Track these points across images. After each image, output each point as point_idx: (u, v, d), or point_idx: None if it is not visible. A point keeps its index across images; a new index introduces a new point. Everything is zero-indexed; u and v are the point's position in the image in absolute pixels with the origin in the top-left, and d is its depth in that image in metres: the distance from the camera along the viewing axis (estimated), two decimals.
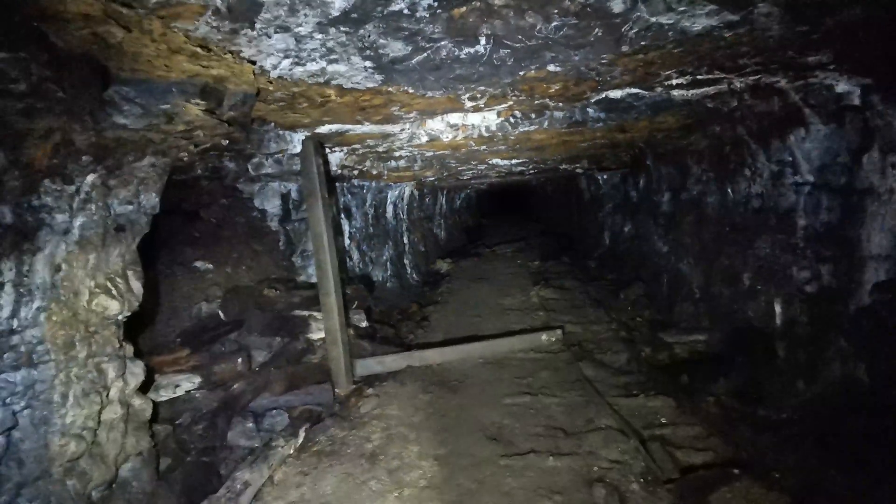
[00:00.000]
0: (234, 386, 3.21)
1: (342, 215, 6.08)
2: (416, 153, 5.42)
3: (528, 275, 8.47)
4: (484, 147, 5.28)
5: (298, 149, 3.60)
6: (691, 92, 3.21)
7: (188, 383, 3.20)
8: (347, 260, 6.13)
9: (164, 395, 3.21)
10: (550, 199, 15.60)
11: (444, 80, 2.58)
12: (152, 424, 2.75)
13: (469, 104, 3.07)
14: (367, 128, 3.58)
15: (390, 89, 2.56)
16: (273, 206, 5.15)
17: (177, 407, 3.18)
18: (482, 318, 5.93)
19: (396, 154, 5.43)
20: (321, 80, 2.29)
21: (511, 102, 3.16)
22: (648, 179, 7.09)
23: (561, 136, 4.96)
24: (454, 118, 3.88)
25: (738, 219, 4.31)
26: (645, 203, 7.36)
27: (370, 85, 2.47)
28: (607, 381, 3.81)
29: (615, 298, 6.55)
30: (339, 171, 5.47)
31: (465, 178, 9.08)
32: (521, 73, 2.49)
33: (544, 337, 4.69)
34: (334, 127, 3.45)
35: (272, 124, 3.15)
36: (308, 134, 3.54)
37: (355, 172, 5.83)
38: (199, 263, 4.28)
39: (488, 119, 3.95)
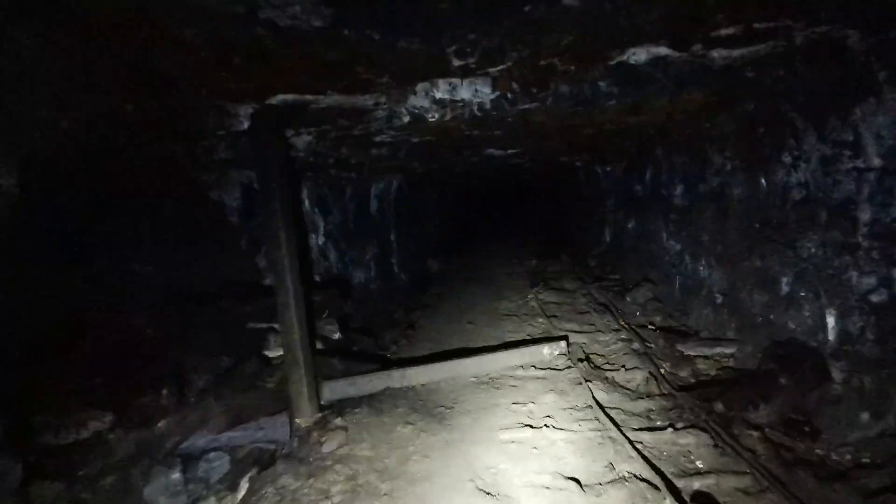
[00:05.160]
0: (159, 424, 2.53)
1: (316, 209, 5.39)
2: (399, 138, 4.74)
3: (525, 275, 7.85)
4: (477, 132, 4.62)
5: (245, 125, 2.91)
6: (736, 52, 2.56)
7: (96, 422, 2.52)
8: (322, 260, 5.44)
9: (66, 438, 2.52)
10: (546, 195, 15.01)
11: (422, 24, 1.91)
12: (33, 483, 2.06)
13: (456, 63, 2.40)
14: (332, 99, 2.89)
15: (347, 33, 1.89)
16: (233, 198, 4.45)
17: (83, 453, 2.49)
18: (476, 324, 5.28)
19: (377, 139, 4.74)
20: (241, 8, 1.61)
21: (510, 63, 2.50)
22: (657, 171, 6.46)
23: (564, 120, 4.31)
24: (441, 90, 3.21)
25: (773, 213, 3.68)
26: (652, 197, 6.73)
27: (318, 24, 1.79)
28: (624, 407, 3.18)
29: (622, 301, 5.92)
30: (311, 159, 4.78)
31: (457, 171, 8.44)
32: (526, 9, 1.82)
33: (546, 350, 4.04)
34: (290, 97, 2.76)
35: (205, 90, 2.46)
36: (257, 107, 2.85)
37: (331, 161, 5.14)
38: (138, 266, 3.58)
39: (481, 93, 3.28)
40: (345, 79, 2.45)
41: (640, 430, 2.85)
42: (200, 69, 2.12)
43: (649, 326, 4.96)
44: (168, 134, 3.09)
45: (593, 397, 3.23)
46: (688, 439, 2.70)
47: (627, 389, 3.49)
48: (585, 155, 7.67)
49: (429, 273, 8.45)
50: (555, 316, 5.31)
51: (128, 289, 3.33)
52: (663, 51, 2.64)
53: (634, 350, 4.20)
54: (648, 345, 4.34)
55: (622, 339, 4.49)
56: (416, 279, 8.05)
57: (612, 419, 2.91)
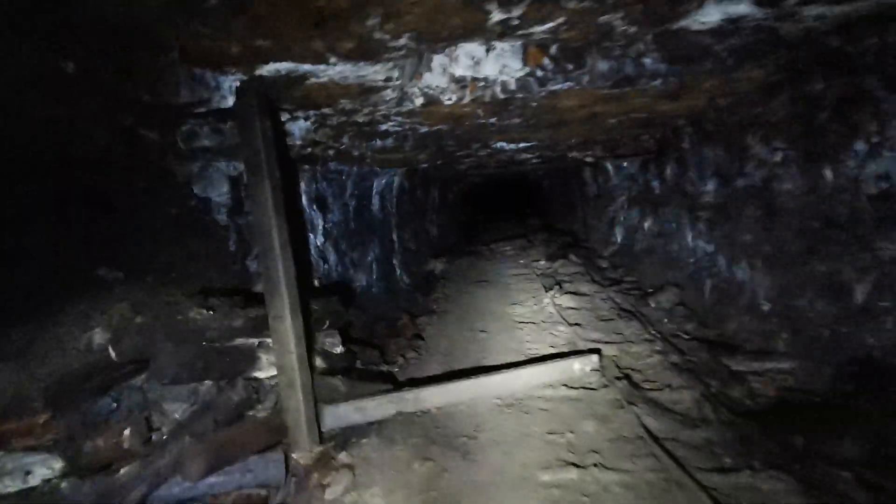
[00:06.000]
0: (121, 471, 2.02)
1: (314, 207, 4.87)
2: (406, 127, 4.25)
3: (535, 277, 7.36)
4: (494, 119, 4.15)
5: (230, 101, 2.40)
6: (837, 9, 2.08)
7: (44, 468, 2.00)
8: (322, 263, 4.93)
9: (8, 487, 2.01)
10: (549, 194, 14.57)
11: None
12: None
13: (497, 16, 1.90)
14: (336, 70, 2.38)
15: None
16: (219, 193, 3.92)
17: None
18: (489, 333, 4.80)
19: (382, 128, 4.26)
20: None
21: (563, 18, 2.00)
22: (682, 165, 6.00)
23: (594, 105, 3.84)
24: (461, 65, 2.74)
25: (840, 210, 3.21)
26: (675, 194, 6.27)
27: None
28: (680, 437, 2.69)
29: (645, 307, 5.46)
30: (310, 150, 4.28)
31: (461, 167, 7.97)
32: None
33: (577, 365, 3.56)
34: (283, 66, 2.25)
35: (174, 51, 1.95)
36: (244, 78, 2.33)
37: (330, 153, 4.63)
38: (103, 271, 3.06)
39: (509, 69, 2.82)
40: (352, 36, 1.94)
41: (709, 470, 2.36)
42: (163, 22, 1.61)
43: (683, 336, 4.49)
44: (126, 106, 2.56)
45: (644, 427, 2.74)
46: (771, 484, 2.22)
47: (677, 413, 3.01)
48: (598, 149, 7.26)
49: (433, 274, 7.95)
50: (577, 324, 4.83)
51: (91, 300, 2.80)
52: (743, 9, 2.16)
53: (674, 364, 3.72)
54: (688, 358, 3.87)
55: (657, 351, 4.01)
56: (419, 281, 7.55)
57: (673, 457, 2.43)
